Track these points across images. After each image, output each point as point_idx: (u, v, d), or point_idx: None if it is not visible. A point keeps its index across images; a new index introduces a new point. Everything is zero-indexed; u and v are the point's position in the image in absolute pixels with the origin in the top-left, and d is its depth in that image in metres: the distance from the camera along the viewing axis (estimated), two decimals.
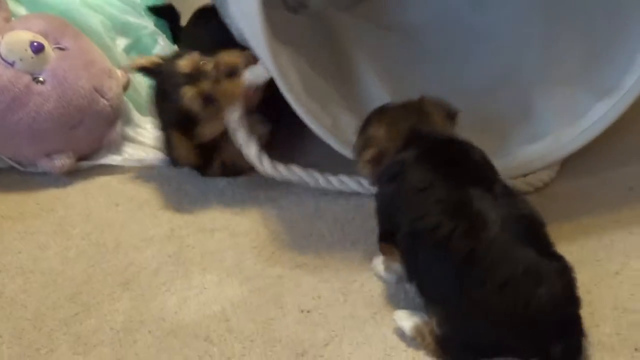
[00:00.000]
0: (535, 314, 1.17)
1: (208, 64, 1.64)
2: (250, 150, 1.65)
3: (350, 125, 1.56)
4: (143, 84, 1.97)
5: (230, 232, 1.60)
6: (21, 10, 1.96)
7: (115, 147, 1.85)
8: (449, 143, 1.37)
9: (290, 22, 2.03)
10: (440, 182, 1.28)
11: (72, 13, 1.93)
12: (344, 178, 1.63)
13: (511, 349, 1.21)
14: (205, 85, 1.62)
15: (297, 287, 1.45)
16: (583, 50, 1.73)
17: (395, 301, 1.39)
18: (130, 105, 1.91)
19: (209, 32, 1.90)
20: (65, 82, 1.77)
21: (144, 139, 1.84)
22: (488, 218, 1.22)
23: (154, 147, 1.82)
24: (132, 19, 2.01)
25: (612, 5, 1.69)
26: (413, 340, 1.30)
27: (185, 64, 1.64)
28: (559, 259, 1.23)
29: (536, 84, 1.77)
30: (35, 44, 1.76)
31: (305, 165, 1.67)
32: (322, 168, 1.67)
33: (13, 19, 1.91)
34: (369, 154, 1.41)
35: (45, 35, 1.80)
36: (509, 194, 1.29)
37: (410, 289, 1.36)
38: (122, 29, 2.01)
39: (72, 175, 1.80)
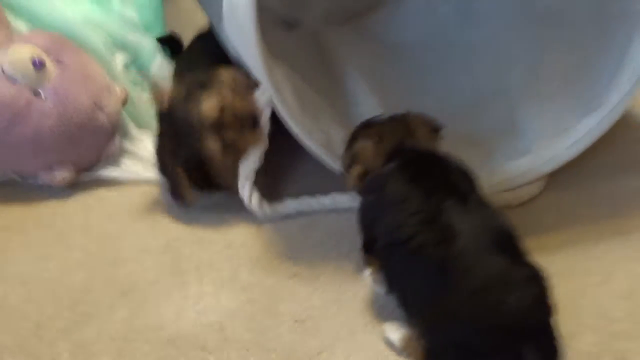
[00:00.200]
0: (505, 320, 1.16)
1: (228, 113, 1.61)
2: (253, 201, 1.65)
3: (343, 141, 1.56)
4: (141, 99, 1.97)
5: (226, 243, 1.60)
6: (22, 27, 1.96)
7: (114, 160, 1.85)
8: (427, 157, 1.38)
9: (285, 39, 2.04)
10: (416, 195, 1.29)
11: (72, 30, 1.93)
12: (336, 196, 1.64)
13: (488, 357, 1.20)
14: (230, 136, 1.61)
15: (292, 297, 1.45)
16: (569, 67, 1.74)
17: (386, 311, 1.39)
18: (128, 120, 1.91)
19: (205, 51, 1.90)
20: (66, 97, 1.76)
21: (142, 152, 1.83)
22: (458, 229, 1.22)
23: (151, 161, 1.81)
24: (131, 36, 2.01)
25: (597, 22, 1.70)
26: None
27: (209, 111, 1.60)
28: (530, 266, 1.22)
29: (523, 100, 1.78)
30: (37, 60, 1.75)
31: (299, 181, 1.69)
32: (315, 183, 1.67)
33: (14, 35, 1.91)
34: (357, 170, 1.42)
35: (46, 51, 1.80)
36: (483, 206, 1.30)
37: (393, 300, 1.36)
38: (121, 45, 2.01)
39: (72, 187, 1.79)
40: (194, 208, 1.69)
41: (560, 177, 1.67)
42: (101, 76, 1.87)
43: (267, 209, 1.64)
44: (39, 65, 1.75)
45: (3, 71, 1.74)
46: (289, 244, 1.59)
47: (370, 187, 1.40)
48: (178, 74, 1.90)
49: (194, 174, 1.66)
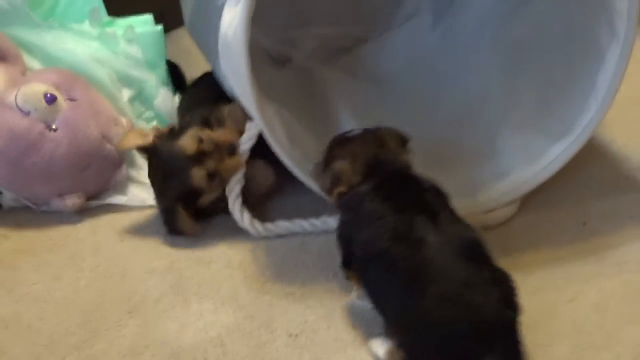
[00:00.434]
0: (473, 322, 1.18)
1: (206, 142, 1.65)
2: (244, 220, 1.67)
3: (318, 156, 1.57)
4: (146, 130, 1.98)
5: (225, 264, 1.61)
6: (35, 64, 1.97)
7: (121, 187, 1.86)
8: (401, 176, 1.40)
9: (276, 76, 2.06)
10: (389, 213, 1.31)
11: (81, 66, 1.94)
12: (327, 219, 1.66)
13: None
14: (211, 164, 1.64)
15: (286, 313, 1.47)
16: (539, 95, 1.76)
17: (374, 326, 1.39)
18: (134, 150, 1.91)
19: (206, 88, 1.92)
20: (76, 129, 1.78)
21: (147, 180, 1.84)
22: (428, 242, 1.24)
23: None
24: (136, 72, 2.02)
25: (566, 53, 1.71)
26: None
27: (188, 145, 1.64)
28: (497, 270, 1.24)
29: (498, 126, 1.79)
30: (48, 95, 1.77)
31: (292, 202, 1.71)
32: (307, 204, 1.70)
33: (28, 72, 1.93)
34: (338, 190, 1.43)
35: (57, 87, 1.81)
36: (453, 221, 1.31)
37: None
38: (127, 81, 2.02)
39: (82, 213, 1.80)
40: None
41: (534, 199, 1.68)
42: (108, 109, 1.89)
43: (260, 227, 1.66)
44: (50, 99, 1.77)
45: (17, 105, 1.76)
46: (283, 264, 1.60)
47: (347, 206, 1.41)
48: (184, 109, 1.94)
49: (188, 206, 1.68)
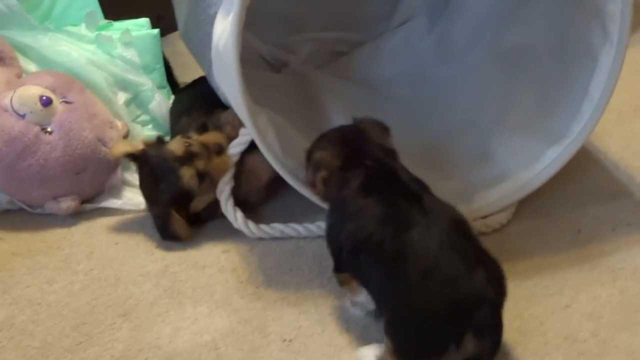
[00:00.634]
0: (454, 299, 1.19)
1: (194, 145, 1.67)
2: (237, 220, 1.68)
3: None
4: (141, 134, 1.99)
5: (219, 268, 1.61)
6: (31, 67, 1.97)
7: (115, 191, 1.86)
8: (381, 170, 1.40)
9: (272, 81, 2.06)
10: (372, 203, 1.32)
11: (77, 70, 1.94)
12: (321, 224, 1.64)
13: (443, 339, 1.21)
14: (200, 164, 1.65)
15: (280, 318, 1.46)
16: (535, 100, 1.75)
17: (367, 331, 1.40)
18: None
19: (199, 92, 1.93)
20: (71, 132, 1.78)
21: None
22: (413, 222, 1.25)
23: None
24: (132, 76, 2.02)
25: (560, 59, 1.72)
26: None
27: (176, 147, 1.66)
28: (482, 250, 1.26)
29: (494, 131, 1.79)
30: (44, 98, 1.77)
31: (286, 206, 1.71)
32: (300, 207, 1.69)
33: (24, 75, 1.93)
34: (321, 175, 1.44)
35: (53, 90, 1.81)
36: (437, 203, 1.32)
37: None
38: (123, 85, 2.02)
39: (77, 216, 1.80)
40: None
41: (528, 206, 1.68)
42: (104, 113, 1.89)
43: (254, 228, 1.66)
44: (46, 102, 1.76)
45: (13, 108, 1.76)
46: (277, 269, 1.59)
47: (333, 207, 1.43)
48: (177, 112, 1.95)
49: (181, 210, 1.68)
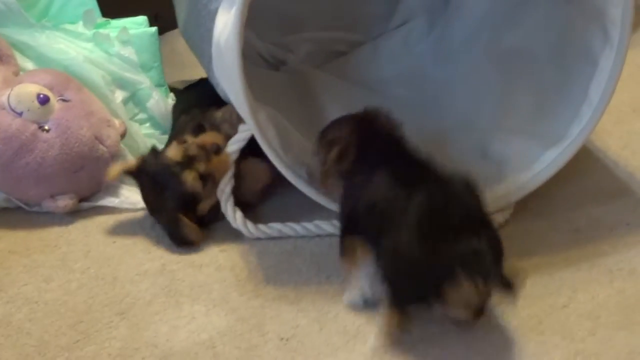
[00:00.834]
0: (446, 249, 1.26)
1: (191, 147, 1.67)
2: (237, 220, 1.68)
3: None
4: (139, 132, 1.99)
5: (216, 267, 1.61)
6: (29, 65, 1.97)
7: (113, 190, 1.85)
8: (393, 144, 1.46)
9: (270, 79, 2.06)
10: (387, 171, 1.38)
11: (75, 68, 1.94)
12: (319, 222, 1.66)
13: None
14: (200, 166, 1.65)
15: (278, 317, 1.46)
16: (533, 102, 1.75)
17: (366, 330, 1.40)
18: (127, 152, 1.91)
19: (201, 91, 1.93)
20: (68, 130, 1.77)
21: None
22: (418, 183, 1.33)
23: None
24: (130, 75, 2.01)
25: (559, 60, 1.72)
26: None
27: (174, 153, 1.67)
28: (487, 218, 1.34)
29: (492, 132, 1.79)
30: (41, 95, 1.77)
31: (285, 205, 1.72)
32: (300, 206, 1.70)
33: (21, 73, 1.92)
34: (334, 152, 1.46)
35: (50, 88, 1.81)
36: (445, 173, 1.39)
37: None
38: (120, 83, 2.01)
39: (74, 214, 1.79)
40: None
41: (527, 206, 1.68)
42: (101, 111, 1.88)
43: (252, 228, 1.66)
44: (43, 100, 1.76)
45: (10, 105, 1.76)
46: (275, 268, 1.59)
47: (347, 194, 1.46)
48: (179, 111, 1.96)
49: (189, 214, 1.68)
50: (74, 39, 2.03)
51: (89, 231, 1.75)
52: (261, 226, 1.67)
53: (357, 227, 1.42)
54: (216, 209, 1.70)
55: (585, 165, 1.80)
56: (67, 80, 1.87)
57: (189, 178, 1.64)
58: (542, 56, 1.78)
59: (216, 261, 1.62)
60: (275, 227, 1.67)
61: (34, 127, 1.75)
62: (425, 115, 1.96)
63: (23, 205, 1.81)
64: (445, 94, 2.01)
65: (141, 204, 1.77)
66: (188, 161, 1.65)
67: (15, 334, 1.46)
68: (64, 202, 1.78)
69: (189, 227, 1.66)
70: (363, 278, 1.43)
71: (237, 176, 1.70)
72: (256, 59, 2.17)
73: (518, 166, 1.68)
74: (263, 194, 1.79)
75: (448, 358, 1.35)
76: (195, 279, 1.58)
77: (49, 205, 1.79)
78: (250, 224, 1.67)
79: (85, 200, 1.83)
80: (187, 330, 1.44)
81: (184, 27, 1.95)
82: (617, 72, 1.56)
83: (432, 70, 2.12)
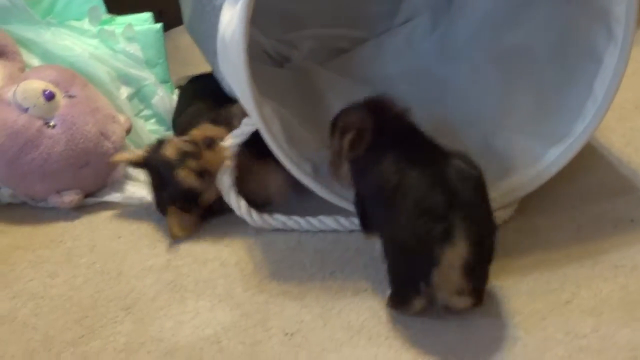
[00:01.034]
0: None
1: (187, 144, 1.68)
2: (241, 208, 1.68)
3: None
4: (144, 128, 1.99)
5: (221, 262, 1.61)
6: (34, 62, 1.98)
7: (118, 185, 1.86)
8: (405, 129, 1.49)
9: (275, 75, 2.06)
10: (395, 156, 1.40)
11: (80, 64, 1.94)
12: (323, 218, 1.66)
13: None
14: (192, 163, 1.66)
15: (282, 312, 1.46)
16: (537, 99, 1.75)
17: (369, 325, 1.40)
18: (132, 147, 1.92)
19: (206, 86, 1.93)
20: (74, 126, 1.78)
21: (144, 178, 1.84)
22: (419, 164, 1.36)
23: None
24: (135, 71, 2.02)
25: (561, 58, 1.71)
26: None
27: (169, 151, 1.68)
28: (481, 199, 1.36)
29: (495, 130, 1.78)
30: (47, 92, 1.77)
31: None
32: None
33: (27, 69, 1.93)
34: (349, 137, 1.47)
35: (56, 84, 1.81)
36: (451, 155, 1.41)
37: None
38: (126, 79, 2.02)
39: (79, 210, 1.80)
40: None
41: (530, 202, 1.67)
42: (107, 107, 1.89)
43: (257, 217, 1.67)
44: (49, 96, 1.77)
45: (16, 101, 1.76)
46: (279, 263, 1.59)
47: (360, 165, 1.47)
48: (181, 106, 1.96)
49: (191, 208, 1.69)
50: (80, 35, 2.04)
51: (94, 226, 1.76)
52: (265, 216, 1.67)
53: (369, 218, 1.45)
54: (222, 199, 1.70)
55: (589, 162, 1.79)
56: (72, 76, 1.87)
57: (181, 174, 1.66)
58: (544, 55, 1.77)
59: (221, 257, 1.62)
60: (279, 219, 1.67)
61: (40, 123, 1.76)
62: (428, 112, 1.94)
63: (29, 201, 1.82)
64: (449, 92, 2.00)
65: (146, 199, 1.77)
66: (181, 158, 1.66)
67: (20, 329, 1.46)
68: (70, 198, 1.79)
69: (171, 220, 1.68)
70: None
71: (247, 174, 1.71)
72: (261, 55, 2.17)
73: (522, 164, 1.68)
74: (269, 200, 1.78)
75: (449, 354, 1.35)
76: (200, 274, 1.58)
77: (54, 200, 1.79)
78: (254, 213, 1.67)
79: (91, 196, 1.84)
80: (191, 325, 1.45)
81: (189, 22, 1.95)
82: (621, 69, 1.55)
83: (436, 68, 2.11)
